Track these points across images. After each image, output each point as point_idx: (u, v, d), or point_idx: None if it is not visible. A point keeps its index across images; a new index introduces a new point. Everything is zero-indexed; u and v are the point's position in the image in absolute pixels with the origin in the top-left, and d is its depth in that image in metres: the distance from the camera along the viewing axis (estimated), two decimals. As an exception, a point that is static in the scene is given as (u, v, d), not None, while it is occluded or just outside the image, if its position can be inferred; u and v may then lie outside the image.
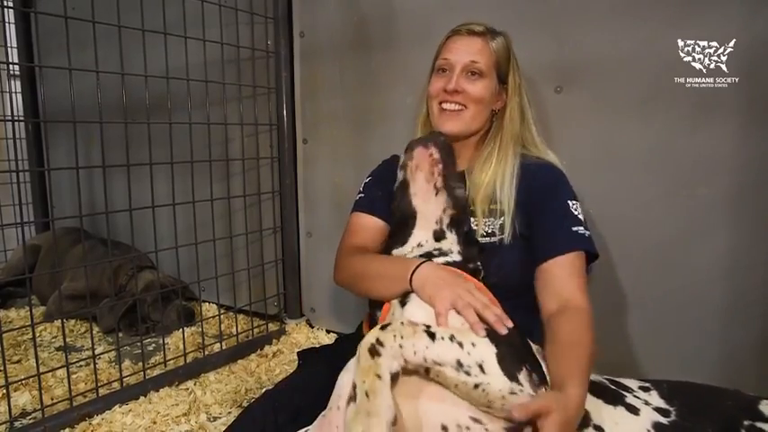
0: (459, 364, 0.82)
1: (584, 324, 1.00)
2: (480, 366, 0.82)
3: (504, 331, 0.90)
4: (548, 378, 0.90)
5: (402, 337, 0.83)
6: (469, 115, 1.25)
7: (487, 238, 1.20)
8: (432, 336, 0.85)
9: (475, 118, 1.26)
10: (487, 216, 1.21)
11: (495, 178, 1.21)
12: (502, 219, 1.19)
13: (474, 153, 1.31)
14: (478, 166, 1.24)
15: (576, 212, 1.16)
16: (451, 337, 0.85)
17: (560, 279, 1.08)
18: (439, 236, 1.13)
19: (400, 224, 1.18)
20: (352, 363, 0.97)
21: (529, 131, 1.29)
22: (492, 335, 0.88)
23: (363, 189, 1.40)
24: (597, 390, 0.94)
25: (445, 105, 1.25)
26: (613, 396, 0.94)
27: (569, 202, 1.17)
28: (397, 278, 1.05)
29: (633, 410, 0.91)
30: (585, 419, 0.88)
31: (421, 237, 1.14)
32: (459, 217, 1.15)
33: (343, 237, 1.36)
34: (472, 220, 1.22)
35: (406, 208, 1.15)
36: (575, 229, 1.13)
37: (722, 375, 1.30)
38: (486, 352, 0.84)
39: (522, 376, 0.84)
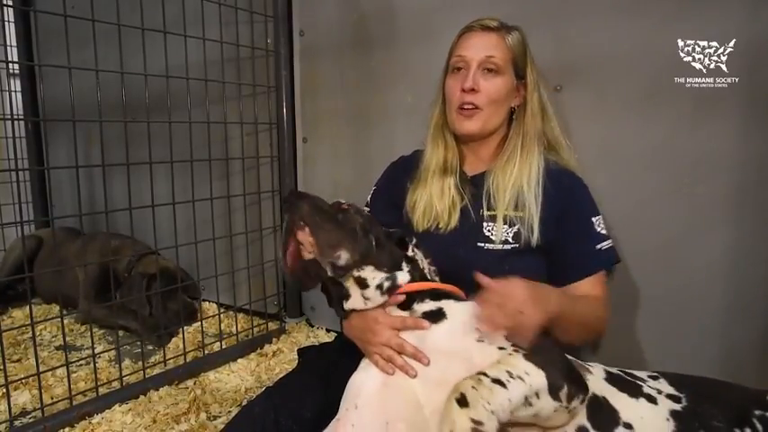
0: (527, 401, 0.80)
1: (599, 304, 1.15)
2: (537, 394, 0.81)
3: (412, 373, 0.91)
4: (589, 391, 0.88)
5: (489, 403, 0.78)
6: (485, 116, 1.22)
7: (500, 246, 1.16)
8: (501, 383, 0.80)
9: (491, 117, 1.23)
10: (505, 222, 1.17)
11: (520, 181, 1.18)
12: (517, 227, 1.16)
13: (495, 152, 1.28)
14: (500, 167, 1.21)
15: (599, 229, 1.20)
16: (511, 375, 0.81)
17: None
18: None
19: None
20: (365, 363, 0.99)
21: (551, 127, 1.27)
22: (532, 358, 0.85)
23: (369, 202, 1.40)
24: (619, 383, 0.95)
25: (462, 105, 1.22)
26: (633, 387, 0.95)
27: (593, 219, 1.21)
28: None
29: (652, 400, 0.92)
30: (615, 417, 0.88)
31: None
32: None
33: None
34: (491, 225, 1.18)
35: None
36: (598, 246, 1.19)
37: (722, 373, 1.29)
38: (539, 379, 0.82)
39: (563, 394, 0.83)
